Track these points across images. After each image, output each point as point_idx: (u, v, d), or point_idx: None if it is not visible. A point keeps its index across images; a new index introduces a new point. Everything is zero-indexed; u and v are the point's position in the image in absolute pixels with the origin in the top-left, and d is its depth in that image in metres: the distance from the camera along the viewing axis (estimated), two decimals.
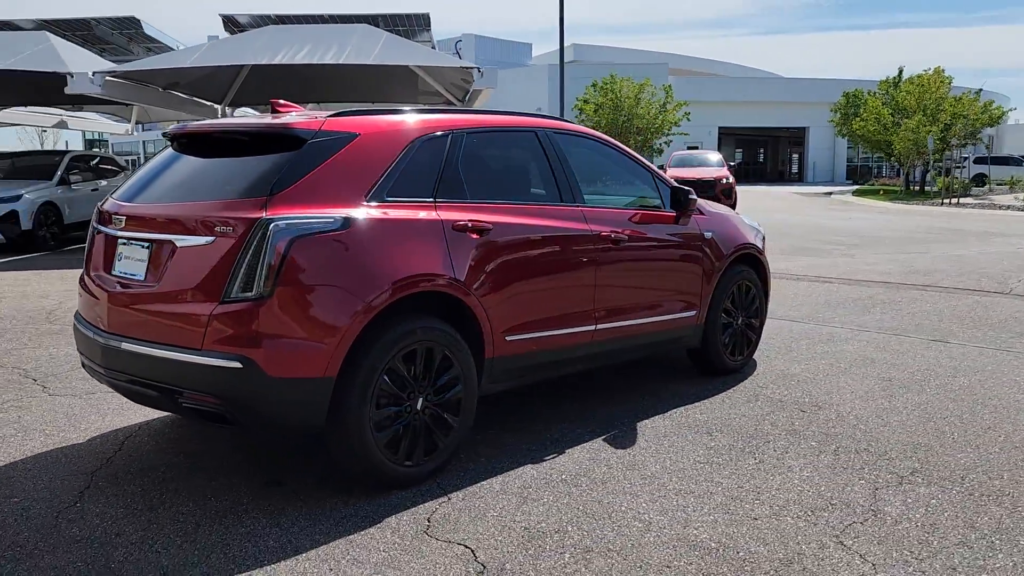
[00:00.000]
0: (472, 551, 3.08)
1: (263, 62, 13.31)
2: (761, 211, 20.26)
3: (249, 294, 3.23)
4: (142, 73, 13.82)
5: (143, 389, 3.50)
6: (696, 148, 32.85)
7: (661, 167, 22.25)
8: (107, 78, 12.88)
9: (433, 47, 19.72)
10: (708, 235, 5.30)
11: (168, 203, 3.63)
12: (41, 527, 3.27)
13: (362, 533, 3.23)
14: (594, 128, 39.21)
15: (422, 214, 3.73)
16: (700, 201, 5.43)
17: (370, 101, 18.55)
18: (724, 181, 21.14)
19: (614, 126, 40.37)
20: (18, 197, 13.41)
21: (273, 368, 3.23)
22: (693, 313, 5.21)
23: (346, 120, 3.74)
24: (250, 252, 3.24)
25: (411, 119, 3.96)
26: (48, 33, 15.12)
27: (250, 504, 3.49)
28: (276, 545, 3.12)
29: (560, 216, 4.37)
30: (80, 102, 16.37)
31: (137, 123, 21.66)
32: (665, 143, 41.19)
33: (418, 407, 3.65)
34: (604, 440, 4.29)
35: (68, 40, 17.04)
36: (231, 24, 17.94)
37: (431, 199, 3.82)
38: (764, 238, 6.06)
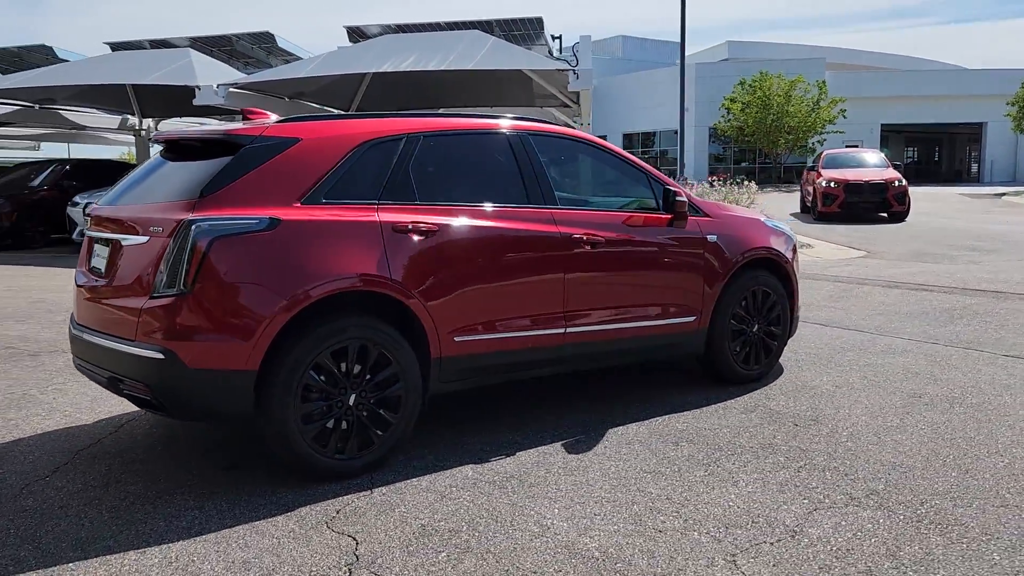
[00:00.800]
0: (357, 543, 3.16)
1: (371, 70, 13.93)
2: (911, 214, 18.88)
3: (172, 290, 3.47)
4: (263, 84, 14.81)
5: (99, 376, 3.83)
6: (856, 147, 30.66)
7: (812, 168, 20.66)
8: (230, 90, 13.90)
9: (549, 51, 19.86)
10: (712, 238, 5.09)
11: (125, 205, 3.95)
12: (2, 497, 3.65)
13: (268, 520, 3.38)
14: (741, 127, 37.78)
15: (359, 216, 3.85)
16: (704, 203, 5.25)
17: (487, 105, 18.94)
18: (896, 184, 18.42)
19: (762, 125, 39.01)
20: None
21: (192, 360, 3.46)
22: (692, 319, 5.03)
23: (290, 126, 3.93)
24: (175, 251, 3.48)
25: (360, 124, 4.09)
26: (191, 50, 16.53)
27: (191, 486, 3.74)
28: (187, 526, 3.33)
29: (523, 218, 4.36)
30: (207, 114, 17.66)
31: None
32: (818, 141, 39.28)
33: (350, 402, 3.77)
34: (563, 444, 4.25)
35: (214, 56, 18.55)
36: (356, 35, 18.84)
37: (374, 201, 3.93)
38: (795, 244, 5.74)
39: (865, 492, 3.59)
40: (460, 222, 4.13)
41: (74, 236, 15.11)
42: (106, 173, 16.45)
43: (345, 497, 3.60)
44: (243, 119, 4.27)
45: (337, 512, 3.45)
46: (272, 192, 3.70)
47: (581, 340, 4.58)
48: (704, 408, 4.85)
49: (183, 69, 15.09)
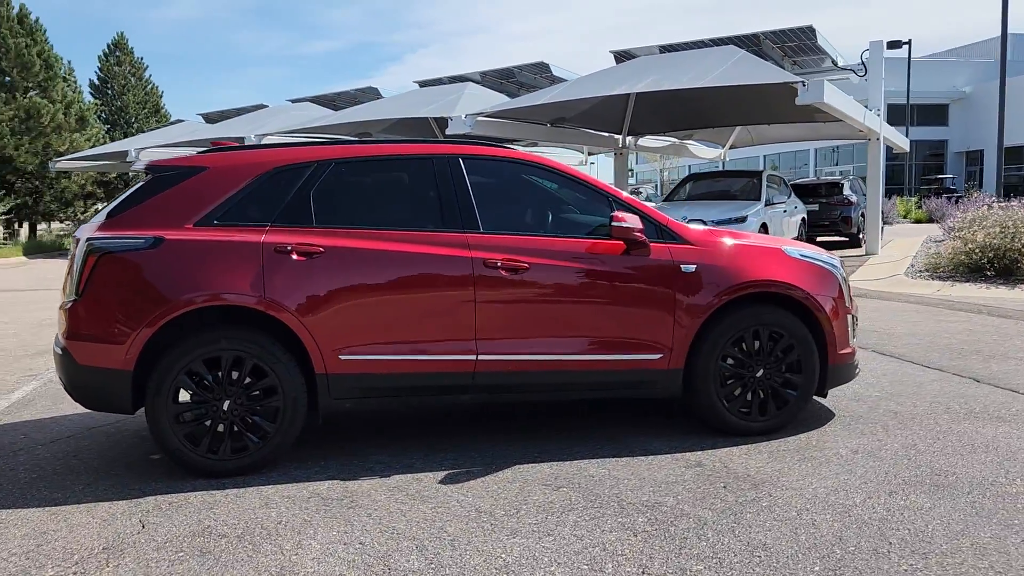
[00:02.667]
0: (120, 536, 3.45)
1: (601, 94, 14.04)
2: None
3: (73, 296, 4.10)
4: (510, 112, 15.65)
5: None
6: None
7: None
8: (478, 119, 14.95)
9: (834, 61, 18.17)
10: (687, 268, 4.54)
11: (86, 224, 4.69)
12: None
13: (83, 506, 3.79)
14: None
15: (243, 237, 4.16)
16: (690, 229, 4.70)
17: (760, 122, 17.96)
18: None
19: None
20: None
21: (81, 357, 4.05)
22: (658, 356, 4.53)
23: (203, 156, 4.38)
24: (77, 263, 4.11)
25: (270, 154, 4.41)
26: (469, 83, 18.06)
27: (96, 470, 4.31)
28: (35, 501, 3.89)
29: (428, 242, 4.33)
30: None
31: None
32: None
33: (224, 408, 4.10)
34: (436, 474, 4.13)
35: (503, 87, 20.04)
36: (624, 58, 19.02)
37: (267, 224, 4.22)
38: (840, 282, 4.85)
39: (690, 571, 3.04)
40: (351, 245, 4.24)
41: None
42: None
43: (182, 494, 3.90)
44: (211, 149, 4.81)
45: (154, 506, 3.78)
46: (169, 215, 4.17)
47: (498, 370, 4.40)
48: (645, 457, 4.34)
49: (452, 102, 16.57)
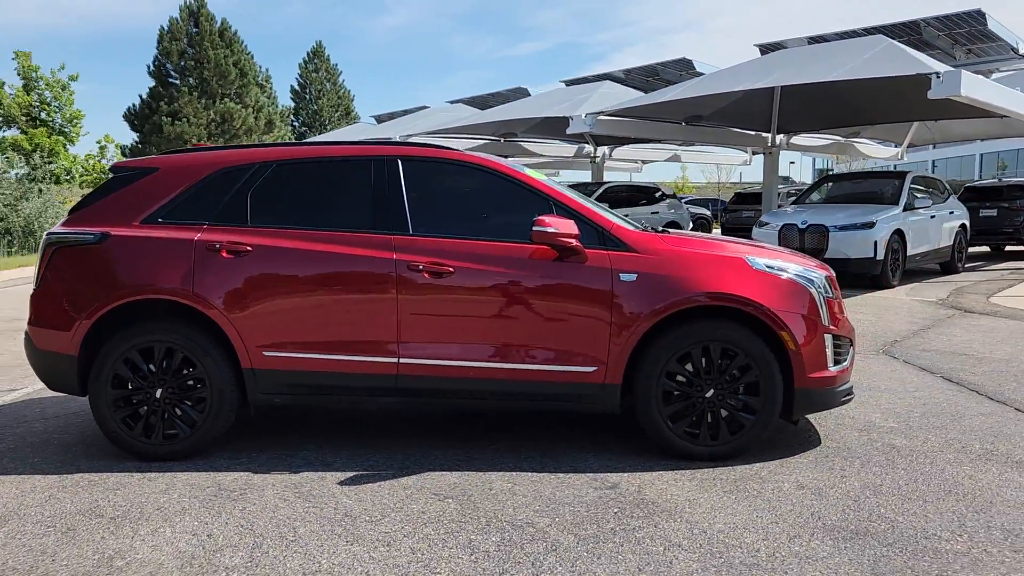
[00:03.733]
0: (21, 506, 3.75)
1: (730, 88, 13.36)
2: None
3: (35, 286, 4.50)
4: (635, 110, 15.23)
5: None
6: None
7: None
8: (598, 118, 14.69)
9: (1014, 48, 16.15)
10: (627, 278, 4.26)
11: None
12: None
13: (20, 477, 4.14)
14: None
15: (179, 234, 4.37)
16: (641, 235, 4.40)
17: (931, 118, 16.39)
18: None
19: None
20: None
21: (38, 342, 4.44)
22: (592, 369, 4.29)
23: (158, 157, 4.65)
24: (39, 255, 4.50)
25: (216, 155, 4.59)
26: (607, 81, 17.77)
27: (64, 446, 4.71)
28: None
29: (354, 243, 4.34)
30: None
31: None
32: None
33: (157, 396, 4.35)
34: (343, 474, 4.14)
35: (647, 85, 19.58)
36: (769, 50, 17.89)
37: (204, 223, 4.41)
38: (814, 297, 4.35)
39: None
40: (277, 245, 4.34)
41: None
42: None
43: (109, 473, 4.19)
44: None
45: (84, 478, 4.07)
46: (120, 212, 4.47)
47: (421, 374, 4.34)
48: (562, 475, 4.13)
49: (580, 101, 16.44)
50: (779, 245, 9.00)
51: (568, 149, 24.36)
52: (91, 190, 4.80)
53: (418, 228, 4.40)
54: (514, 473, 4.16)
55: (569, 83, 21.76)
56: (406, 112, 27.68)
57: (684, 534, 3.41)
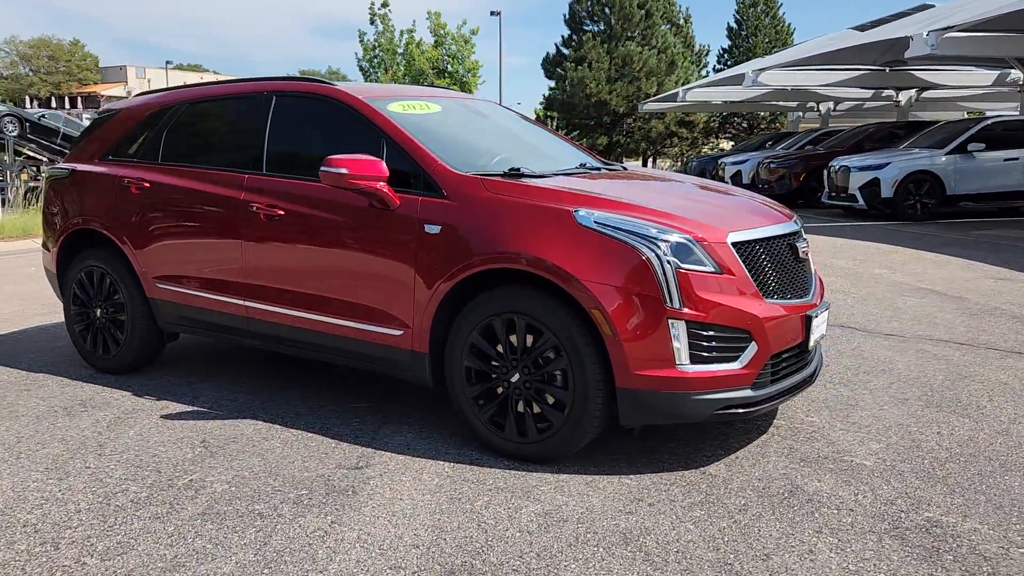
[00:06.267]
0: None
1: None
2: None
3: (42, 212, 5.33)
4: (997, 20, 11.73)
5: None
6: None
7: None
8: (944, 36, 11.71)
9: None
10: (432, 229, 3.59)
11: None
12: None
13: None
14: None
15: (111, 170, 4.79)
16: (453, 175, 3.67)
17: None
18: None
19: None
20: (882, 165, 13.93)
21: (43, 259, 5.27)
22: (399, 333, 3.74)
23: (122, 101, 5.08)
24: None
25: (158, 96, 4.86)
26: None
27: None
28: None
29: (216, 182, 4.30)
30: None
31: None
32: None
33: (97, 315, 4.90)
34: (185, 407, 4.25)
35: None
36: None
37: (133, 160, 4.78)
38: (664, 266, 3.19)
39: None
40: (166, 181, 4.52)
41: (823, 199, 15.58)
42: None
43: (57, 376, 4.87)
44: None
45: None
46: (90, 151, 5.05)
47: (263, 319, 4.20)
48: (320, 438, 3.71)
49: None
50: None
51: (984, 77, 19.92)
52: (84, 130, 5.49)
53: (271, 167, 4.22)
54: (292, 430, 3.86)
55: None
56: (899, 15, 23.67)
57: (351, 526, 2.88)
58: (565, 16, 34.96)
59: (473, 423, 3.59)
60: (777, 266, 3.50)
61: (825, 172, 15.59)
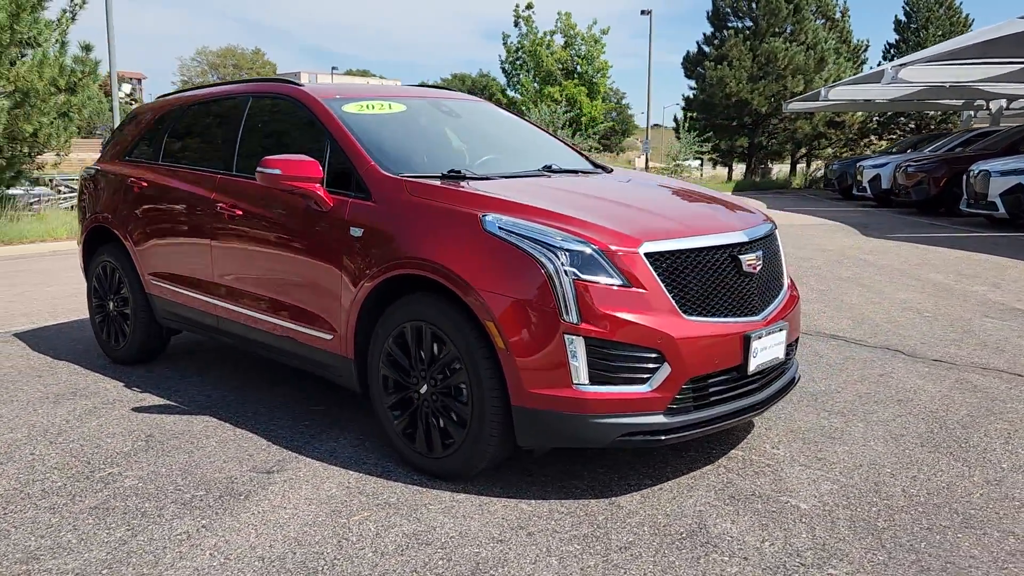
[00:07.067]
0: None
1: None
2: None
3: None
4: None
5: None
6: None
7: None
8: None
9: None
10: (355, 232, 3.51)
11: None
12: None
13: None
14: None
15: (119, 170, 5.04)
16: (382, 177, 3.57)
17: None
18: None
19: None
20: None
21: (78, 241, 5.60)
22: (330, 337, 3.69)
23: (146, 104, 5.31)
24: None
25: (167, 101, 5.04)
26: None
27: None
28: None
29: (196, 182, 4.42)
30: None
31: None
32: None
33: (110, 307, 5.16)
34: (141, 396, 4.39)
35: None
36: None
37: (140, 161, 4.99)
38: (552, 275, 2.95)
39: None
40: (158, 181, 4.69)
41: (961, 207, 14.22)
42: None
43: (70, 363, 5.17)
44: None
45: None
46: (113, 152, 5.32)
47: (229, 318, 4.27)
48: (252, 436, 3.69)
49: None
50: None
51: None
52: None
53: (240, 168, 4.28)
54: (237, 430, 3.88)
55: None
56: None
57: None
58: (708, 13, 33.85)
59: (389, 433, 3.49)
60: (708, 280, 3.16)
61: (964, 177, 14.23)
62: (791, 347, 3.64)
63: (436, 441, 3.29)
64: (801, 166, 36.94)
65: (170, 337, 5.15)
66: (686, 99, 34.95)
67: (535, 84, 26.88)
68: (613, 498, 3.15)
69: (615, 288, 2.97)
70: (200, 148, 4.74)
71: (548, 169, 4.08)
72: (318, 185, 3.64)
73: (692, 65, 33.91)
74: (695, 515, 2.99)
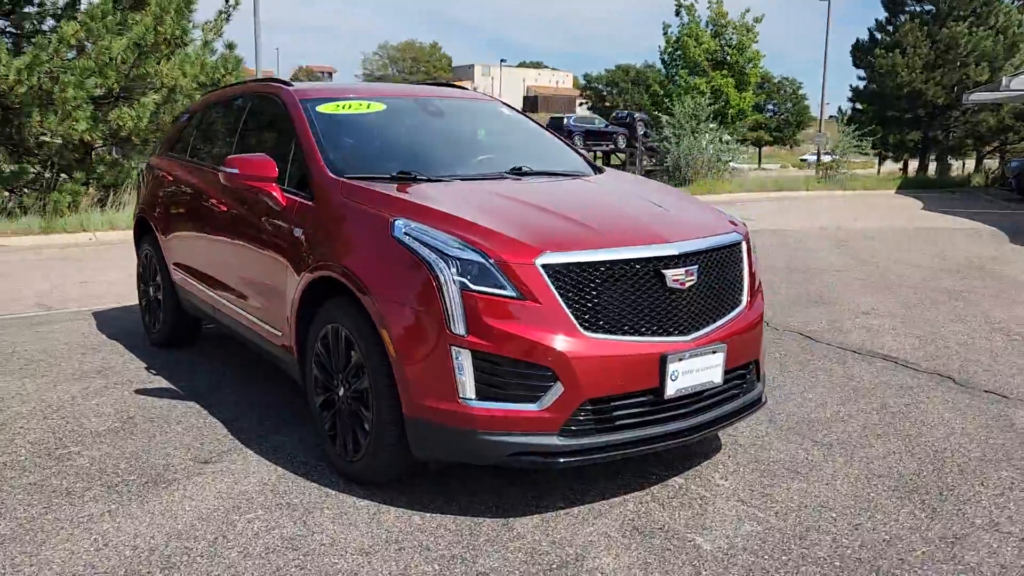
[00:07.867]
0: None
1: None
2: None
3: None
4: None
5: None
6: None
7: None
8: None
9: None
10: (297, 233, 3.54)
11: None
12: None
13: None
14: None
15: (158, 163, 5.35)
16: (328, 179, 3.56)
17: None
18: None
19: None
20: None
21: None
22: (280, 333, 3.76)
23: (195, 102, 5.59)
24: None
25: (204, 98, 5.29)
26: None
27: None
28: None
29: (202, 178, 4.62)
30: None
31: None
32: None
33: (150, 293, 5.51)
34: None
35: None
36: None
37: (174, 155, 5.28)
38: (441, 282, 2.84)
39: None
40: (179, 176, 4.94)
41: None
42: None
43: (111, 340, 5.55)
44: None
45: None
46: (163, 147, 5.66)
47: (221, 309, 4.43)
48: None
49: None
50: None
51: None
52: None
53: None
54: (208, 418, 4.02)
55: None
56: None
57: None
58: None
59: (320, 433, 3.49)
60: (619, 295, 2.93)
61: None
62: (743, 370, 3.31)
63: (350, 445, 3.27)
64: (990, 162, 33.72)
65: (199, 324, 5.41)
66: (854, 90, 32.79)
67: (686, 75, 25.95)
68: (510, 519, 2.99)
69: (507, 300, 2.82)
70: (210, 145, 4.95)
71: (517, 171, 3.93)
72: (273, 184, 3.70)
73: (862, 54, 31.70)
74: (582, 545, 2.79)
